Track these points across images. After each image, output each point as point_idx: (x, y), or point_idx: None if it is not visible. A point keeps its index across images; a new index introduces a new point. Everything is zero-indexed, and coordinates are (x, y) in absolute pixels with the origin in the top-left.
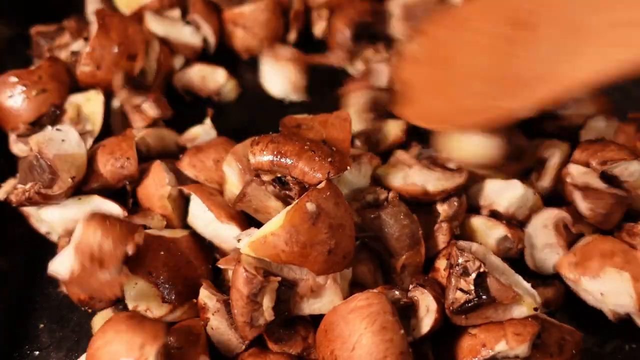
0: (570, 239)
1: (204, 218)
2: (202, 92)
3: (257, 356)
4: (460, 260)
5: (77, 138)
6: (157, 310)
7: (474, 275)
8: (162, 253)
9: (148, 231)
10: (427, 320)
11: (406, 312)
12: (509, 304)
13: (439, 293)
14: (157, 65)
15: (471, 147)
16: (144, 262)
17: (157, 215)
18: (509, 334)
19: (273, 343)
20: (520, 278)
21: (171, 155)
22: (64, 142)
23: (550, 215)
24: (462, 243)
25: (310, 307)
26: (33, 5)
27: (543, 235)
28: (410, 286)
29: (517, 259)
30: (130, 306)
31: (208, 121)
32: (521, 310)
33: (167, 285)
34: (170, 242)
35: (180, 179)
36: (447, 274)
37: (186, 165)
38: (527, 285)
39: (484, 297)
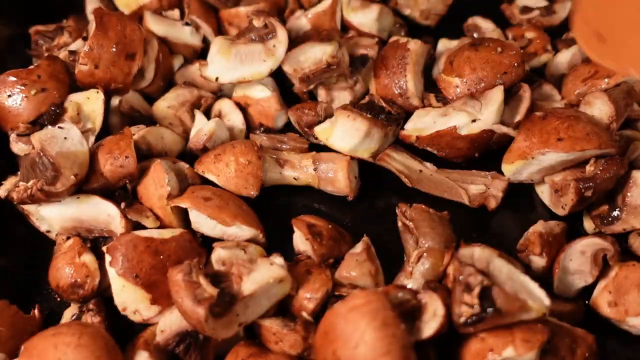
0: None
1: (208, 223)
2: (203, 88)
3: (258, 356)
4: (462, 277)
5: (79, 136)
6: (146, 311)
7: (477, 289)
8: (149, 255)
9: (136, 232)
10: (432, 323)
11: (412, 314)
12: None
13: (448, 299)
14: (156, 64)
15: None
16: (131, 264)
17: (151, 215)
18: (517, 339)
19: (273, 343)
20: (527, 279)
21: (172, 154)
22: (66, 139)
23: (590, 243)
24: (463, 252)
25: (254, 282)
26: (33, 5)
27: (578, 261)
28: (422, 289)
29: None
30: (119, 307)
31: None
32: (530, 315)
33: (154, 287)
34: (159, 243)
35: (180, 177)
36: (452, 287)
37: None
38: (535, 287)
39: (489, 309)
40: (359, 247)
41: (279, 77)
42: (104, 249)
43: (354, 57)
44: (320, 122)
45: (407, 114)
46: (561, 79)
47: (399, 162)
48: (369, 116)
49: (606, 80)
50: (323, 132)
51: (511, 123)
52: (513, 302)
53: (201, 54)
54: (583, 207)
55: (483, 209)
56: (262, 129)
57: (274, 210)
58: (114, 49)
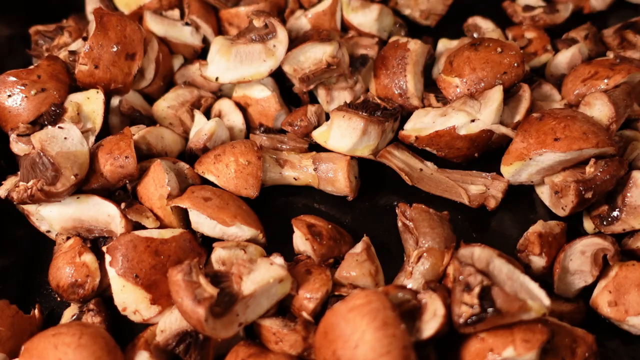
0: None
1: (208, 223)
2: (203, 88)
3: (258, 356)
4: (461, 277)
5: (80, 136)
6: (146, 311)
7: (477, 289)
8: (149, 255)
9: (136, 232)
10: (432, 323)
11: (412, 314)
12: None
13: (448, 299)
14: (156, 64)
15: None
16: (131, 264)
17: (151, 215)
18: (518, 340)
19: (273, 343)
20: (527, 279)
21: (172, 154)
22: (66, 139)
23: (590, 243)
24: (463, 252)
25: (254, 282)
26: (33, 5)
27: (578, 261)
28: (421, 289)
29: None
30: (119, 307)
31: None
32: (530, 315)
33: (154, 287)
34: (159, 243)
35: (180, 177)
36: (452, 287)
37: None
38: (535, 287)
39: (489, 309)
40: (359, 247)
41: (279, 77)
42: (104, 249)
43: (354, 57)
44: (315, 126)
45: (408, 114)
46: (561, 79)
47: (399, 159)
48: (365, 114)
49: (606, 81)
50: (321, 136)
51: (511, 123)
52: (513, 302)
53: (201, 54)
54: (583, 208)
55: (483, 209)
56: (262, 129)
57: (274, 210)
58: (114, 49)
